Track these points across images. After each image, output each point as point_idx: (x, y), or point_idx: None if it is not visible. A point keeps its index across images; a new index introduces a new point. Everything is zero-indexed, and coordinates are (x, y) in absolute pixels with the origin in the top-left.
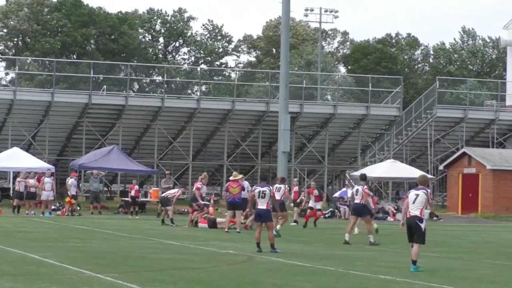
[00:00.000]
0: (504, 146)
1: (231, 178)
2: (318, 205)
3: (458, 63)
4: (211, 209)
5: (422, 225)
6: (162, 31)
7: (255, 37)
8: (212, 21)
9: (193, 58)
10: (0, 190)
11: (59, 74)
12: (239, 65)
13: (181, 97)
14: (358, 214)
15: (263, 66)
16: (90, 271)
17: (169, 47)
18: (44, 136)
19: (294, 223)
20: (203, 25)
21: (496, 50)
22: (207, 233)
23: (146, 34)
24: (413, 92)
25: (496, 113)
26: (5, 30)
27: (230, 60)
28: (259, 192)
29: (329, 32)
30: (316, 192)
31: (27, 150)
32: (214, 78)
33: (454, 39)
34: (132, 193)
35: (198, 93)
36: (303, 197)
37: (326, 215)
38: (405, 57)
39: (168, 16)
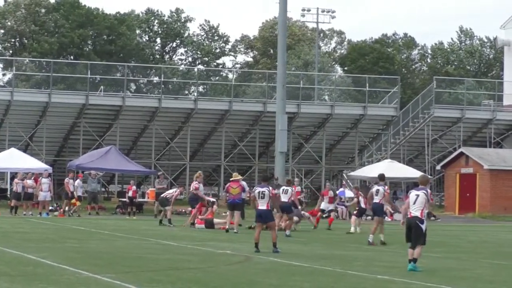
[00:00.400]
0: (501, 146)
1: (231, 179)
2: (331, 206)
3: (456, 63)
4: (215, 207)
5: (423, 226)
6: (160, 31)
7: (251, 37)
8: (209, 22)
9: (190, 59)
10: None
11: (56, 75)
12: (236, 65)
13: (178, 98)
14: (375, 213)
15: (260, 67)
16: (88, 272)
17: (166, 48)
18: (42, 137)
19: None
20: (200, 26)
21: (493, 50)
22: (204, 233)
23: (144, 35)
24: (410, 93)
25: (494, 113)
26: (2, 31)
27: (227, 60)
28: (259, 192)
29: (327, 32)
30: (331, 193)
31: (25, 151)
32: (211, 78)
33: (452, 39)
34: (130, 193)
35: (195, 94)
36: (302, 198)
37: (324, 216)
38: (402, 57)
39: (164, 16)
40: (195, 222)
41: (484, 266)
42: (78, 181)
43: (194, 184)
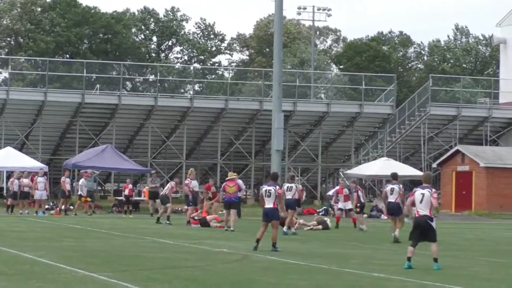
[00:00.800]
0: (497, 144)
1: (227, 178)
2: (348, 205)
3: (452, 61)
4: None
5: (433, 224)
6: (156, 30)
7: (247, 35)
8: (204, 20)
9: (186, 57)
10: None
11: (52, 73)
12: (232, 64)
13: (174, 96)
14: (394, 213)
15: (255, 65)
16: (84, 270)
17: (162, 46)
18: (37, 136)
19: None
20: (196, 24)
21: (489, 48)
22: (201, 232)
23: (139, 33)
24: (406, 91)
25: (490, 111)
26: None
27: (223, 59)
28: (266, 191)
29: (322, 30)
30: (345, 191)
31: (20, 150)
32: (207, 77)
33: (448, 36)
34: (126, 192)
35: (191, 92)
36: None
37: (320, 213)
38: (398, 55)
39: (158, 15)
40: (190, 221)
41: (481, 264)
42: (82, 180)
43: (185, 182)
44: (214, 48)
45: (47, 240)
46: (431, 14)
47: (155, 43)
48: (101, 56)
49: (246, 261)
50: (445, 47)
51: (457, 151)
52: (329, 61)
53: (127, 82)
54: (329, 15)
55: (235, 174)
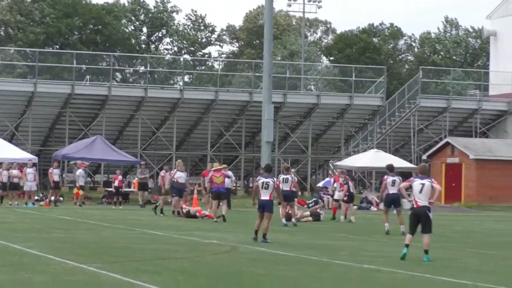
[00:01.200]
0: (487, 136)
1: (212, 169)
2: (341, 195)
3: (442, 53)
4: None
5: (431, 215)
6: (146, 21)
7: (237, 27)
8: (195, 11)
9: (176, 48)
10: None
11: (42, 64)
12: (222, 55)
13: (164, 87)
14: (395, 204)
15: (244, 57)
16: (74, 262)
17: (152, 37)
18: (27, 127)
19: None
20: (187, 15)
21: (479, 40)
22: (190, 223)
23: (129, 24)
24: (396, 83)
25: (479, 103)
26: None
27: (213, 50)
28: (263, 183)
29: (313, 22)
30: (341, 179)
31: (10, 141)
32: (197, 68)
33: (438, 28)
34: (116, 183)
35: (181, 83)
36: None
37: (310, 205)
38: (389, 47)
39: (148, 6)
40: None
41: (470, 255)
42: (80, 171)
43: (161, 173)
44: (204, 40)
45: (37, 231)
46: (421, 6)
47: (145, 34)
48: (91, 47)
49: (235, 253)
50: (435, 39)
51: (447, 143)
52: (319, 53)
53: (117, 73)
54: (319, 7)
55: (222, 164)
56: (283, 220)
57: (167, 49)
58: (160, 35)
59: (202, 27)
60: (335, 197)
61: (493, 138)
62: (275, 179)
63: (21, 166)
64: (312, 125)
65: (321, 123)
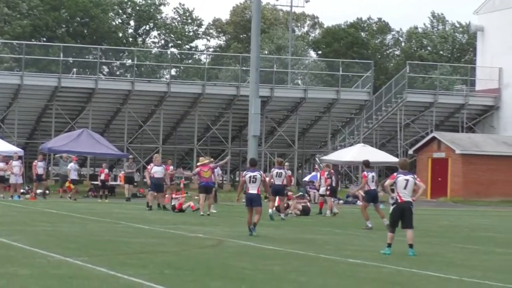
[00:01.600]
0: (473, 131)
1: (198, 163)
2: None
3: (429, 48)
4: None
5: (413, 210)
6: (133, 14)
7: (224, 21)
8: (183, 5)
9: (163, 42)
10: None
11: (29, 57)
12: (209, 49)
13: (151, 81)
14: (375, 200)
15: (231, 51)
16: (60, 255)
17: (140, 31)
18: (13, 119)
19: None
20: (174, 9)
21: (466, 35)
22: (177, 217)
23: (117, 17)
24: (383, 78)
25: (466, 98)
26: None
27: (200, 44)
28: (250, 177)
29: (300, 16)
30: (326, 174)
31: None
32: (184, 62)
33: (424, 24)
34: (102, 176)
35: (168, 77)
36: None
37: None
38: (376, 41)
39: None
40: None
41: (455, 250)
42: (71, 164)
43: (148, 167)
44: (191, 33)
45: (22, 225)
46: (409, 1)
47: (132, 28)
48: (78, 40)
49: (221, 246)
50: (423, 34)
51: (433, 138)
52: (306, 47)
53: (104, 66)
54: (307, 1)
55: (208, 158)
56: (270, 211)
57: (154, 43)
58: (147, 28)
59: (189, 21)
60: (320, 192)
61: (479, 133)
62: (262, 173)
63: (7, 159)
64: (299, 119)
65: (308, 118)
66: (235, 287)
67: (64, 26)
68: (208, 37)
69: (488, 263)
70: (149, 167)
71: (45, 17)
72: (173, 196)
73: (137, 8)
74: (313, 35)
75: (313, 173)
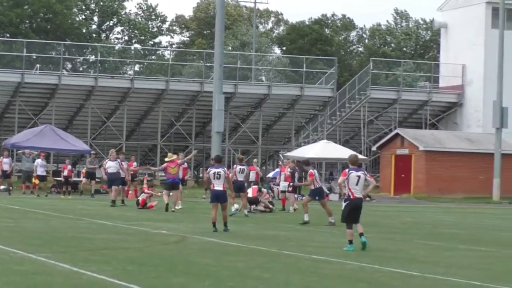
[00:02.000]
0: (436, 128)
1: (166, 159)
2: (287, 185)
3: (393, 45)
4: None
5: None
6: (96, 10)
7: (187, 17)
8: (146, 1)
9: (126, 38)
10: None
11: None
12: (173, 45)
13: (115, 77)
14: (320, 196)
15: (195, 47)
16: (22, 251)
17: (103, 26)
18: None
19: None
20: (137, 4)
21: (429, 32)
22: (140, 213)
23: (80, 13)
24: (347, 74)
25: (429, 95)
26: None
27: (164, 40)
28: (214, 173)
29: (264, 13)
30: (288, 170)
31: None
32: (148, 58)
33: (387, 21)
34: (65, 172)
35: (132, 73)
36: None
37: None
38: (340, 38)
39: None
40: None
41: (418, 246)
42: (38, 161)
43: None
44: (155, 29)
45: None
46: None
47: (95, 23)
48: (41, 36)
49: (184, 243)
50: (386, 31)
51: (397, 135)
52: (270, 43)
53: (67, 62)
54: None
55: (175, 155)
56: (233, 208)
57: (117, 39)
58: (111, 24)
59: (153, 17)
60: (280, 188)
61: (442, 130)
62: (225, 169)
63: None
64: (262, 115)
65: (272, 114)
66: (198, 284)
67: (27, 22)
68: (172, 34)
69: (450, 260)
70: (105, 162)
71: (9, 13)
72: (145, 191)
73: (101, 3)
74: (277, 31)
75: (277, 170)
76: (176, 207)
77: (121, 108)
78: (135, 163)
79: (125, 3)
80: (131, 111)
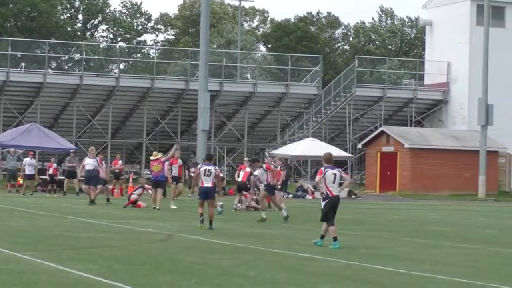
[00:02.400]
0: (422, 125)
1: (151, 158)
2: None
3: (377, 42)
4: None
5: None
6: (81, 8)
7: (171, 15)
8: None
9: (111, 36)
10: None
11: None
12: (158, 43)
13: (100, 75)
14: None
15: (180, 45)
16: (8, 250)
17: (88, 25)
18: None
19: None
20: (122, 3)
21: (414, 29)
22: (126, 211)
23: (65, 11)
24: (332, 72)
25: (415, 92)
26: None
27: (149, 38)
28: (205, 170)
29: (249, 11)
30: (273, 168)
31: None
32: (133, 56)
33: (373, 18)
34: (50, 171)
35: (117, 71)
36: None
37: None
38: (326, 36)
39: None
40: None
41: (403, 244)
42: (27, 159)
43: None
44: (140, 27)
45: None
46: None
47: (80, 22)
48: (26, 34)
49: (170, 241)
50: (371, 28)
51: (382, 132)
52: (256, 41)
53: (52, 61)
54: None
55: (159, 153)
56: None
57: (102, 37)
58: (95, 22)
59: (138, 15)
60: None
61: (428, 127)
62: (216, 167)
63: None
64: (248, 113)
65: (257, 112)
66: (184, 282)
67: (12, 20)
68: (157, 32)
69: (436, 257)
70: (84, 159)
71: None
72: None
73: (86, 1)
74: (262, 30)
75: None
76: (172, 207)
77: (106, 107)
78: (120, 162)
79: (110, 1)
80: (117, 109)
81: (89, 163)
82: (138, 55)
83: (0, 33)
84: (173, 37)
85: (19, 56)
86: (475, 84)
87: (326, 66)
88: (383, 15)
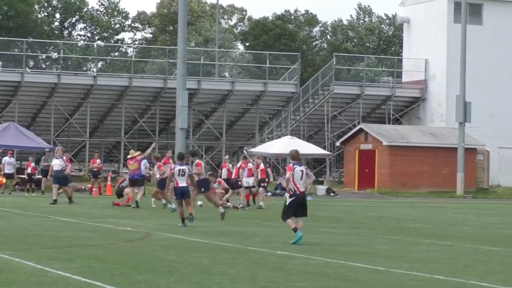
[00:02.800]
0: (400, 123)
1: (128, 156)
2: (251, 181)
3: (355, 40)
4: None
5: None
6: (59, 7)
7: (149, 13)
8: None
9: (89, 34)
10: None
11: None
12: (136, 42)
13: (78, 74)
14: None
15: (158, 43)
16: None
17: (65, 23)
18: None
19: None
20: (99, 1)
21: (392, 27)
22: (105, 210)
23: (42, 11)
24: (310, 70)
25: (392, 90)
26: None
27: (126, 36)
28: (179, 170)
29: (227, 9)
30: (250, 165)
31: None
32: (111, 54)
33: (350, 16)
34: (29, 170)
35: (95, 70)
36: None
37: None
38: (304, 33)
39: None
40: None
41: (382, 242)
42: (5, 158)
43: None
44: (117, 26)
45: None
46: None
47: (58, 20)
48: (3, 33)
49: (149, 240)
50: (349, 26)
51: (360, 130)
52: (234, 40)
53: (30, 60)
54: None
55: (138, 151)
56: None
57: (80, 35)
58: (73, 21)
59: (115, 13)
60: (244, 184)
61: (406, 125)
62: (189, 166)
63: None
64: (226, 111)
65: (236, 110)
66: (163, 280)
67: None
68: (134, 31)
69: (415, 254)
70: (52, 161)
71: None
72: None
73: (63, 0)
74: (240, 28)
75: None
76: (153, 205)
77: (84, 105)
78: (98, 160)
79: (87, 0)
80: (94, 108)
81: (56, 163)
82: (116, 54)
83: None
84: (151, 35)
85: None
86: (453, 81)
87: (304, 64)
88: (361, 12)
